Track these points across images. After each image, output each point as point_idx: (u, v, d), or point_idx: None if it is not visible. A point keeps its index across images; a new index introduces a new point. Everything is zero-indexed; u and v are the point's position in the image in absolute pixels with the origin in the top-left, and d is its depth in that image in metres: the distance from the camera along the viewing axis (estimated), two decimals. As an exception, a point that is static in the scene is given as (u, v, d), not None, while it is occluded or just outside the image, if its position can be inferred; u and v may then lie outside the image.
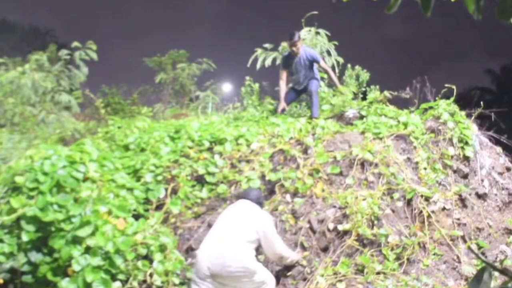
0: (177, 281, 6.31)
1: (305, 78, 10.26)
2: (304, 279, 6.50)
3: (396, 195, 7.51)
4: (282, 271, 6.66)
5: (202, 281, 6.01)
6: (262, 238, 6.19)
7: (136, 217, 6.79)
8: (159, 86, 19.21)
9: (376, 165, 7.81)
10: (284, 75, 10.37)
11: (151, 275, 6.09)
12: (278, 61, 12.52)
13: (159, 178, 7.61)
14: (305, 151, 8.27)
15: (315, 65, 10.40)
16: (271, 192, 7.65)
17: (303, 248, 6.85)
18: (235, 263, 5.84)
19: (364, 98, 11.49)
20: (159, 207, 7.28)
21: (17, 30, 33.23)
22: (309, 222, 7.12)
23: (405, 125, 8.80)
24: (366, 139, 8.28)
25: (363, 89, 13.03)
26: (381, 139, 8.37)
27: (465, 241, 7.40)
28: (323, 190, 7.51)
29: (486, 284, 2.20)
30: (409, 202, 7.51)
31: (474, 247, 7.35)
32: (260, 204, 6.72)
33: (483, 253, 7.36)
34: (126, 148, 8.70)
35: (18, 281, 5.61)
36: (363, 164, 7.90)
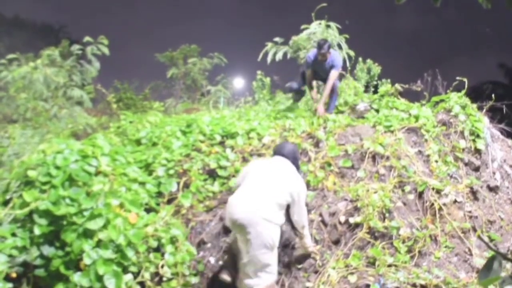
0: (187, 272, 6.36)
1: (326, 79, 10.10)
2: (316, 272, 6.51)
3: (408, 188, 7.51)
4: (294, 264, 6.67)
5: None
6: (294, 203, 6.15)
7: (148, 211, 6.84)
8: (171, 81, 19.25)
9: (388, 158, 7.81)
10: (310, 74, 10.20)
11: (162, 267, 6.15)
12: (289, 55, 12.52)
13: (171, 172, 7.64)
14: (316, 144, 8.28)
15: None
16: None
17: (315, 242, 6.86)
18: (262, 217, 5.81)
19: (375, 92, 11.48)
20: (170, 201, 7.31)
21: (30, 27, 33.39)
22: (320, 215, 7.13)
23: (416, 118, 8.79)
24: (377, 132, 8.28)
25: (375, 82, 13.04)
26: (392, 132, 8.36)
27: (477, 236, 7.38)
28: (334, 183, 7.51)
29: (496, 273, 2.22)
30: (420, 195, 7.50)
31: (485, 238, 7.34)
32: (296, 161, 6.60)
33: (494, 246, 7.34)
34: (138, 142, 8.74)
35: (31, 275, 5.64)
36: (374, 157, 7.90)
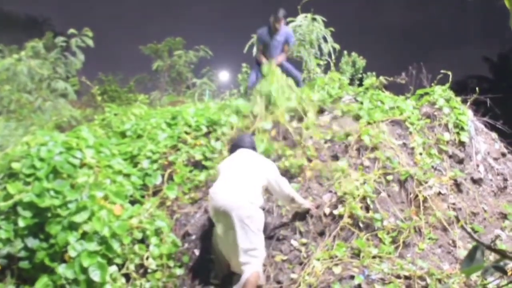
0: (172, 263, 6.37)
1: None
2: (300, 264, 6.53)
3: (391, 179, 7.55)
4: (279, 255, 6.69)
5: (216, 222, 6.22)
6: (272, 183, 6.41)
7: (133, 203, 6.84)
8: (156, 73, 19.20)
9: (372, 149, 7.84)
10: (259, 50, 10.39)
11: (147, 259, 6.15)
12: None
13: (156, 164, 7.65)
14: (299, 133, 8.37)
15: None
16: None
17: (300, 234, 6.88)
18: (245, 200, 5.97)
19: (360, 85, 11.51)
20: (156, 193, 7.32)
21: (14, 20, 33.14)
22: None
23: (401, 111, 8.83)
24: (361, 124, 8.31)
25: (360, 75, 13.07)
26: (376, 124, 8.39)
27: (460, 226, 7.43)
28: (317, 174, 7.54)
29: (479, 262, 2.24)
30: (404, 187, 7.54)
31: (468, 229, 7.39)
32: (254, 149, 6.91)
33: (478, 237, 7.39)
34: (123, 135, 8.74)
35: (15, 267, 5.63)
36: (358, 149, 7.93)
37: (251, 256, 5.94)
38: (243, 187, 6.09)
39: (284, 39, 10.12)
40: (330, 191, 7.27)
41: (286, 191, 6.57)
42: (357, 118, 8.63)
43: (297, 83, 9.87)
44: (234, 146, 6.97)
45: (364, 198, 7.08)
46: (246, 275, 5.85)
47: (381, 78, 10.19)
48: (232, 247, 6.00)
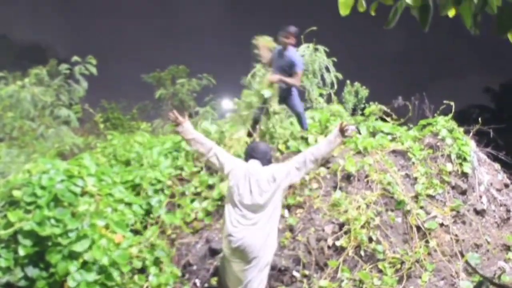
0: (171, 293, 6.33)
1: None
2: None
3: (394, 211, 7.52)
4: (280, 287, 6.63)
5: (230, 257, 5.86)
6: (292, 179, 6.00)
7: (135, 232, 6.81)
8: (159, 101, 19.23)
9: (373, 180, 7.82)
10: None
11: (147, 289, 6.12)
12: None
13: (159, 192, 7.64)
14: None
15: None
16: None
17: (303, 265, 6.83)
18: (258, 252, 5.69)
19: (363, 115, 11.53)
20: (157, 222, 7.30)
21: (17, 46, 33.34)
22: (307, 239, 7.11)
23: (402, 141, 8.84)
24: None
25: (362, 105, 13.07)
26: (377, 154, 8.38)
27: (463, 257, 7.39)
28: (319, 206, 7.51)
29: (484, 298, 2.21)
30: (407, 218, 7.50)
31: (472, 264, 7.34)
32: (268, 160, 6.22)
33: (481, 269, 7.34)
34: (127, 163, 8.73)
35: (15, 296, 5.60)
36: (359, 178, 7.91)
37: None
38: (264, 226, 5.78)
39: (290, 61, 8.80)
40: (333, 222, 7.23)
41: (327, 146, 6.02)
42: (358, 147, 8.60)
43: (301, 121, 9.28)
44: (247, 155, 6.34)
45: (367, 227, 7.05)
46: None
47: (380, 106, 10.21)
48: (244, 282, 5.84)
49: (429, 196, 7.95)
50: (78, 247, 5.73)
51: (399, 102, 11.06)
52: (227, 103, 20.36)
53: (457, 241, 7.60)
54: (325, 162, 8.20)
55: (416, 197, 7.85)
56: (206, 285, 6.68)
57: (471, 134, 9.41)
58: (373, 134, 9.44)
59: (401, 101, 10.93)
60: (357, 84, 13.48)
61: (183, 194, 7.75)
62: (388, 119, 10.18)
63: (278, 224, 6.62)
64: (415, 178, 8.19)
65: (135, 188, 7.78)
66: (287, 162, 6.19)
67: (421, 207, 7.64)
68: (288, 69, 8.78)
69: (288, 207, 7.54)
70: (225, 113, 18.87)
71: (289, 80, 8.70)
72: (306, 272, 6.73)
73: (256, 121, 8.94)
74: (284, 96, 9.01)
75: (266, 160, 6.14)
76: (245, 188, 5.87)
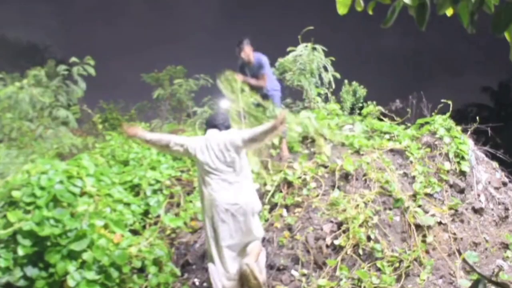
0: (170, 293, 6.34)
1: (268, 87, 9.25)
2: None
3: (391, 207, 7.54)
4: (279, 286, 6.65)
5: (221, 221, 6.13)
6: (243, 146, 6.30)
7: (134, 232, 6.83)
8: (157, 102, 19.23)
9: (371, 179, 7.84)
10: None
11: (146, 288, 6.13)
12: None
13: (158, 192, 7.66)
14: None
15: (271, 74, 9.58)
16: (273, 207, 7.64)
17: (301, 264, 6.85)
18: (245, 206, 6.08)
19: (361, 114, 11.55)
20: (157, 222, 7.31)
21: (15, 47, 33.30)
22: (306, 238, 7.12)
23: (400, 140, 8.87)
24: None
25: (360, 104, 13.09)
26: (375, 153, 8.41)
27: (461, 256, 7.41)
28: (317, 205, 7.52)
29: (481, 296, 2.22)
30: (405, 216, 7.52)
31: (470, 262, 7.36)
32: (227, 127, 6.64)
33: (479, 268, 7.36)
34: (125, 163, 8.74)
35: (14, 296, 5.61)
36: (357, 177, 7.93)
37: (256, 239, 6.23)
38: (239, 184, 6.19)
39: (258, 65, 9.07)
40: (331, 221, 7.25)
41: (262, 135, 6.28)
42: (355, 146, 8.62)
43: None
44: (206, 125, 6.81)
45: (365, 225, 7.07)
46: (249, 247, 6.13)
47: (378, 107, 10.25)
48: (241, 238, 6.14)
49: (427, 194, 7.97)
50: (77, 247, 5.74)
51: (397, 104, 11.10)
52: (225, 103, 20.40)
53: (455, 239, 7.62)
54: (323, 164, 8.25)
55: (414, 196, 7.87)
56: (205, 284, 6.69)
57: (469, 132, 9.43)
58: (370, 133, 9.46)
59: (399, 104, 10.97)
60: (355, 83, 13.50)
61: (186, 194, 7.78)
62: (386, 119, 10.20)
63: (278, 222, 6.70)
64: (413, 177, 8.20)
65: (134, 189, 7.80)
66: (243, 131, 6.58)
67: (419, 206, 7.65)
68: (258, 73, 9.02)
69: (286, 206, 7.56)
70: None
71: (253, 81, 8.86)
72: (305, 271, 6.73)
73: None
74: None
75: (224, 126, 6.56)
76: (210, 154, 6.27)
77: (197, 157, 6.31)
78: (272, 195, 7.68)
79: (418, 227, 7.44)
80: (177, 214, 7.52)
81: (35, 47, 36.43)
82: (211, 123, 6.64)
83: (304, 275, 6.70)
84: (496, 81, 35.39)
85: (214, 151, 6.29)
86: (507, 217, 8.86)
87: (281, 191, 7.78)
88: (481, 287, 2.29)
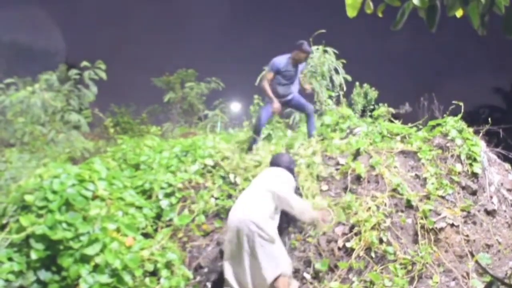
0: (182, 296, 6.35)
1: (294, 91, 9.67)
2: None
3: (405, 212, 7.52)
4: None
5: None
6: (275, 198, 6.38)
7: (146, 235, 6.84)
8: (168, 105, 19.29)
9: (383, 181, 7.82)
10: (270, 77, 9.39)
11: (158, 291, 6.14)
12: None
13: (170, 196, 7.68)
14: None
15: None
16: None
17: (313, 267, 6.84)
18: (253, 225, 6.00)
19: (372, 116, 11.54)
20: (169, 225, 7.34)
21: (27, 51, 33.43)
22: (318, 241, 7.11)
23: (411, 142, 8.85)
24: (371, 154, 8.32)
25: (371, 106, 13.07)
26: (386, 155, 8.39)
27: (474, 258, 7.38)
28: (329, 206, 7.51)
29: (495, 298, 2.22)
30: (417, 219, 7.49)
31: (483, 264, 7.32)
32: (290, 170, 6.97)
33: (492, 270, 7.32)
34: (137, 167, 8.77)
35: (28, 300, 5.63)
36: (369, 180, 7.91)
37: (273, 266, 6.02)
38: (251, 203, 6.24)
39: (302, 68, 9.78)
40: (343, 224, 7.23)
41: (301, 210, 6.52)
42: (365, 148, 8.60)
43: (311, 124, 9.63)
44: (270, 162, 7.19)
45: (377, 228, 7.06)
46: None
47: (389, 108, 10.24)
48: (254, 272, 6.05)
49: (439, 196, 7.93)
50: (89, 251, 5.77)
51: (406, 108, 11.09)
52: (235, 106, 20.43)
53: (468, 241, 7.58)
54: (335, 163, 8.25)
55: (426, 198, 7.83)
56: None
57: (481, 134, 9.37)
58: (382, 135, 9.44)
59: (408, 107, 10.96)
60: (366, 85, 13.49)
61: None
62: (397, 121, 10.18)
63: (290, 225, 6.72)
64: (425, 179, 8.17)
65: (146, 192, 7.81)
66: (277, 185, 6.63)
67: (431, 208, 7.61)
68: (296, 72, 9.48)
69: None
70: (234, 116, 18.95)
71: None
72: (317, 273, 6.73)
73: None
74: (287, 102, 9.62)
75: (286, 168, 6.91)
76: (253, 181, 6.75)
77: None
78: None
79: (431, 229, 7.41)
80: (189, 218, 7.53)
81: (46, 52, 36.56)
82: (272, 163, 7.11)
83: (316, 277, 6.70)
84: (508, 82, 35.19)
85: (261, 177, 6.79)
86: (520, 218, 8.81)
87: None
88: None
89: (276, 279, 5.97)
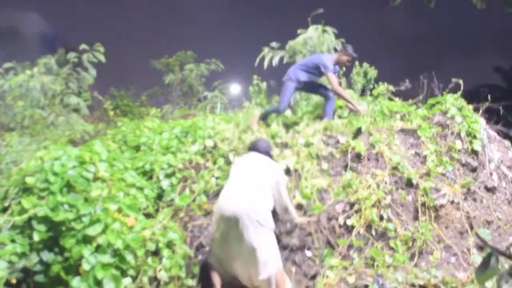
0: (183, 274, 6.38)
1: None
2: (314, 274, 6.53)
3: (405, 189, 7.55)
4: (292, 266, 6.69)
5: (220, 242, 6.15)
6: (274, 187, 6.38)
7: (147, 215, 6.87)
8: (168, 87, 19.27)
9: (383, 159, 7.84)
10: (337, 80, 9.82)
11: (160, 271, 6.17)
12: (285, 60, 12.51)
13: (171, 177, 7.71)
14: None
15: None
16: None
17: (314, 244, 6.88)
18: (252, 213, 5.92)
19: (372, 95, 11.53)
20: (170, 206, 7.37)
21: (25, 37, 33.41)
22: (318, 219, 7.14)
23: (411, 120, 8.86)
24: (371, 132, 8.33)
25: (371, 86, 13.06)
26: (386, 132, 8.40)
27: (474, 233, 7.42)
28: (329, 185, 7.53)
29: (493, 269, 2.23)
30: (417, 196, 7.51)
31: (482, 236, 7.37)
32: (269, 155, 6.94)
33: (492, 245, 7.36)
34: (137, 148, 8.79)
35: (31, 281, 5.65)
36: (369, 158, 7.93)
37: (274, 262, 5.99)
38: (251, 192, 6.11)
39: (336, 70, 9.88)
40: (343, 201, 7.26)
41: (284, 201, 6.53)
42: (366, 126, 8.60)
43: (329, 107, 9.68)
44: (249, 148, 7.12)
45: (377, 205, 7.09)
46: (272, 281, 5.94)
47: (388, 86, 10.25)
48: (247, 259, 5.96)
49: (439, 174, 7.96)
50: (91, 231, 5.79)
51: (406, 84, 11.08)
52: (235, 88, 20.41)
53: (468, 218, 7.62)
54: (335, 142, 8.26)
55: (426, 175, 7.85)
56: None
57: (480, 111, 9.37)
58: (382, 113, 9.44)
59: (408, 84, 10.95)
60: (365, 64, 13.46)
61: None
62: (397, 99, 10.20)
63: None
64: (425, 156, 8.19)
65: (147, 173, 7.84)
66: (277, 174, 6.65)
67: (432, 186, 7.64)
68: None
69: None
70: (234, 98, 18.93)
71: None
72: (318, 251, 6.77)
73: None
74: (307, 87, 9.87)
75: (266, 153, 6.89)
76: (241, 168, 6.55)
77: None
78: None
79: (431, 206, 7.44)
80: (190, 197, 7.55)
81: (45, 37, 36.55)
82: (252, 149, 7.02)
83: (317, 255, 6.74)
84: (509, 61, 35.05)
85: (248, 163, 6.67)
86: (520, 195, 8.84)
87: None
88: (494, 260, 2.30)
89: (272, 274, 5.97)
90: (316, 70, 9.44)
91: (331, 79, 9.23)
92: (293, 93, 9.89)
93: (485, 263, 2.31)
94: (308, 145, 8.13)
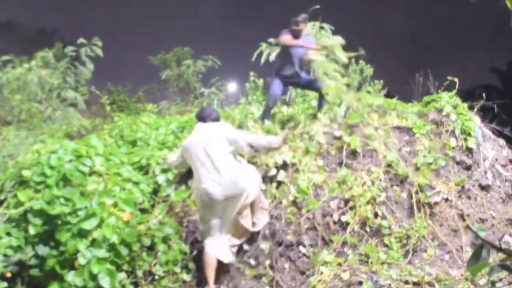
0: (178, 270, 6.41)
1: (301, 69, 9.28)
2: (308, 270, 6.56)
3: (398, 184, 7.57)
4: (287, 262, 6.71)
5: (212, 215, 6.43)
6: (232, 143, 6.55)
7: (143, 210, 6.89)
8: (164, 83, 19.26)
9: (378, 156, 7.86)
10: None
11: (155, 265, 6.20)
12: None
13: (167, 172, 7.73)
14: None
15: None
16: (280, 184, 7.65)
17: (308, 240, 6.90)
18: (241, 182, 6.34)
19: (368, 92, 11.56)
20: (166, 200, 7.39)
21: (23, 31, 33.32)
22: (313, 215, 7.16)
23: (406, 117, 8.87)
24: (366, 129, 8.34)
25: (367, 83, 13.09)
26: (381, 129, 8.42)
27: (465, 226, 7.47)
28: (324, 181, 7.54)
29: (484, 261, 2.26)
30: (412, 193, 7.54)
31: (475, 230, 7.41)
32: (212, 119, 6.95)
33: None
34: (134, 143, 8.80)
35: (26, 274, 5.68)
36: (364, 155, 7.95)
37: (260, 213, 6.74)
38: (230, 169, 6.35)
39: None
40: (338, 197, 7.28)
41: (245, 141, 6.62)
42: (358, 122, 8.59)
43: (322, 100, 9.42)
44: (199, 118, 7.06)
45: (372, 202, 7.11)
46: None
47: (384, 83, 10.30)
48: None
49: (434, 171, 7.98)
50: (87, 225, 5.82)
51: (403, 82, 11.13)
52: (232, 85, 20.41)
53: (462, 215, 7.65)
54: (331, 138, 8.26)
55: (421, 172, 7.87)
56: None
57: (475, 109, 9.40)
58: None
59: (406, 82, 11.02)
60: (362, 62, 13.49)
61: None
62: (392, 97, 10.23)
63: (285, 199, 6.78)
64: (419, 154, 8.21)
65: (143, 168, 7.86)
66: (240, 132, 6.91)
67: (426, 183, 7.66)
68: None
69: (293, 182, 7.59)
70: (230, 95, 18.94)
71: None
72: (312, 247, 6.79)
73: None
74: (296, 81, 9.46)
75: (210, 119, 6.90)
76: (199, 146, 6.50)
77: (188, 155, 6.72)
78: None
79: (425, 203, 7.47)
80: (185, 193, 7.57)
81: (42, 31, 36.46)
82: (204, 118, 6.98)
83: (311, 251, 6.77)
84: (505, 60, 35.01)
85: (204, 138, 6.60)
86: (514, 194, 8.87)
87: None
88: (485, 252, 2.32)
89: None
90: (285, 50, 9.24)
91: (280, 39, 9.02)
92: (281, 87, 9.46)
93: (477, 255, 2.33)
94: (306, 139, 8.14)
